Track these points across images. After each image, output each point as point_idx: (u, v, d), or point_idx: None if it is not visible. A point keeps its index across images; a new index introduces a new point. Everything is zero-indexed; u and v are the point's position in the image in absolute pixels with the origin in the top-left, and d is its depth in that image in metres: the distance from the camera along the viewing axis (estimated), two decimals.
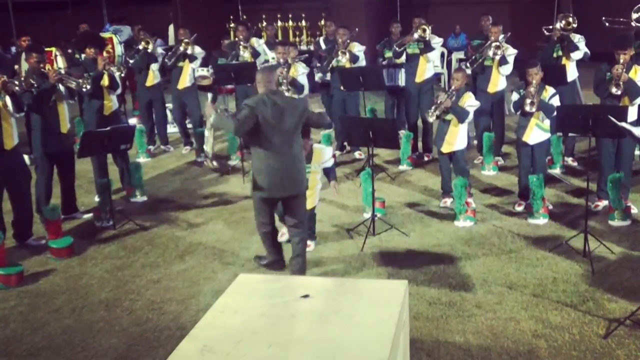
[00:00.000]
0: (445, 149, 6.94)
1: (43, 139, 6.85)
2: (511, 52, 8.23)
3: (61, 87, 6.85)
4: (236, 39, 10.46)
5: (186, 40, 9.54)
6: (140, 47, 9.59)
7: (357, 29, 9.29)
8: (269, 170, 5.07)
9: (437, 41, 8.75)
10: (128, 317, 5.09)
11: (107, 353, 4.60)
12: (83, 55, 8.32)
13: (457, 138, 6.87)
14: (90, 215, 7.23)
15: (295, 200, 5.29)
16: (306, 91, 7.48)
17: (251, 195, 5.39)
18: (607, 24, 7.50)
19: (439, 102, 6.86)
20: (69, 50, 10.60)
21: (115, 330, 4.89)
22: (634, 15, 7.66)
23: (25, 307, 5.32)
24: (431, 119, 6.98)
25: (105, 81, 7.63)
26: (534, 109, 6.57)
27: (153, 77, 9.72)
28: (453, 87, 6.84)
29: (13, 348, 4.73)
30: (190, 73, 9.68)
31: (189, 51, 9.52)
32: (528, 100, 6.57)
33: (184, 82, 9.65)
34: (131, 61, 9.92)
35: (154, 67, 9.65)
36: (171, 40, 15.04)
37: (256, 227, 5.56)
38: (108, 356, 4.57)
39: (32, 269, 6.02)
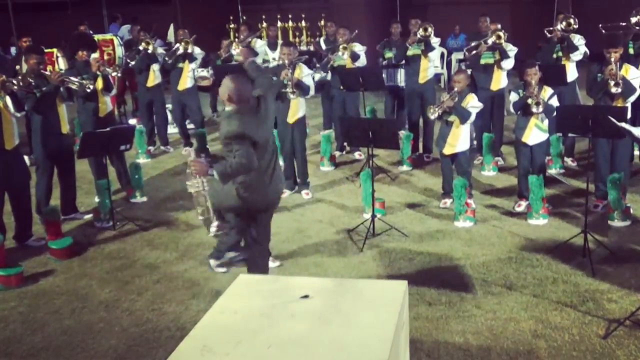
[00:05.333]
0: (447, 150, 6.93)
1: (43, 140, 6.86)
2: (512, 49, 8.26)
3: (61, 88, 6.85)
4: (236, 39, 10.47)
5: (186, 39, 9.55)
6: (141, 47, 9.61)
7: (356, 31, 9.30)
8: (268, 180, 4.90)
9: (435, 40, 8.75)
10: (128, 317, 5.09)
11: (107, 354, 4.60)
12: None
13: (458, 140, 6.85)
14: (90, 215, 7.23)
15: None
16: (312, 92, 7.50)
17: (260, 220, 5.02)
18: (603, 31, 7.46)
19: (442, 101, 6.85)
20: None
21: (115, 331, 4.90)
22: (633, 19, 7.66)
23: (25, 308, 5.32)
24: (432, 117, 6.90)
25: (99, 83, 7.56)
26: (540, 109, 6.55)
27: (154, 77, 9.72)
28: (456, 89, 6.83)
29: (13, 348, 4.73)
30: (190, 74, 9.68)
31: (189, 50, 9.53)
32: (533, 101, 6.55)
33: (184, 83, 9.66)
34: (132, 63, 9.92)
35: (155, 67, 9.66)
36: (170, 39, 15.01)
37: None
38: (108, 357, 4.57)
39: (32, 269, 6.02)
